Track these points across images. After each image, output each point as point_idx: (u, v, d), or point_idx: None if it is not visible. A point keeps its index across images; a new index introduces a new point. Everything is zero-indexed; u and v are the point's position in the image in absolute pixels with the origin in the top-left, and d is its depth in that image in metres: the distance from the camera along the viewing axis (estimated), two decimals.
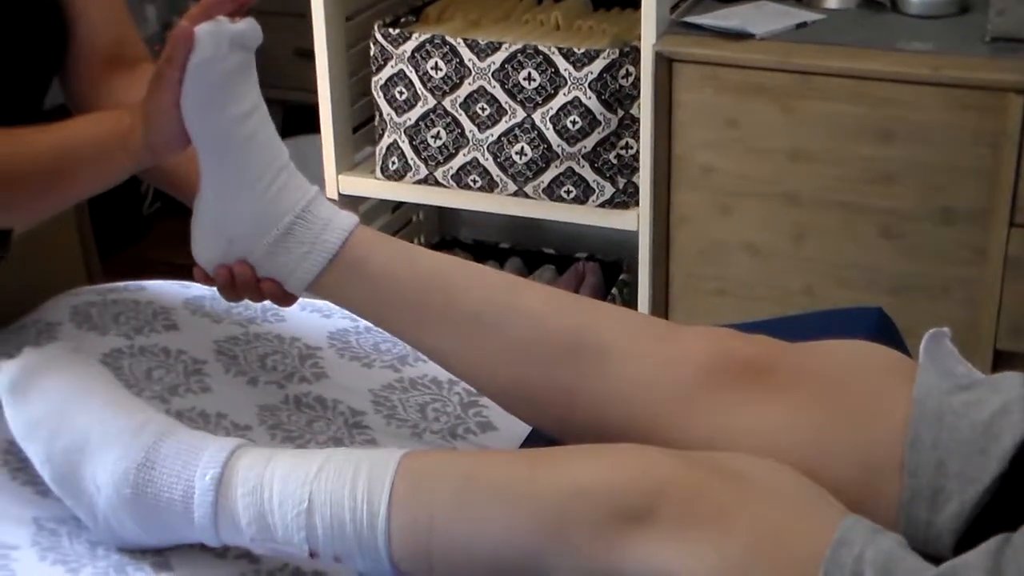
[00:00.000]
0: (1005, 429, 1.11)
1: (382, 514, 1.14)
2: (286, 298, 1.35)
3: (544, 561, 1.11)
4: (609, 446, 1.13)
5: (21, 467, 1.29)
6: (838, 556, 1.02)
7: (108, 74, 1.55)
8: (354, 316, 1.56)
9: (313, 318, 1.59)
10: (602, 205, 2.36)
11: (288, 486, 1.17)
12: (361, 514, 1.14)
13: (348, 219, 1.32)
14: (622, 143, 2.33)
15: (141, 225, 3.29)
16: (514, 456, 1.24)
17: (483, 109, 2.37)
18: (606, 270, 2.68)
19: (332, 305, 1.59)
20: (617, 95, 2.29)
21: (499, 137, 2.37)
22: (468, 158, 2.41)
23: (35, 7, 1.48)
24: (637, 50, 2.26)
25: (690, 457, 1.11)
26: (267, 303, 1.37)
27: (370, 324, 1.55)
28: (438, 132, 2.42)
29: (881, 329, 1.37)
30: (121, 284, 1.64)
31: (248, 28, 1.30)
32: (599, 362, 1.25)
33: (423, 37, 2.37)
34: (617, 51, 2.27)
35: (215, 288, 1.36)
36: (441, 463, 1.19)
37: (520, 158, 2.36)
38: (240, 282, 1.33)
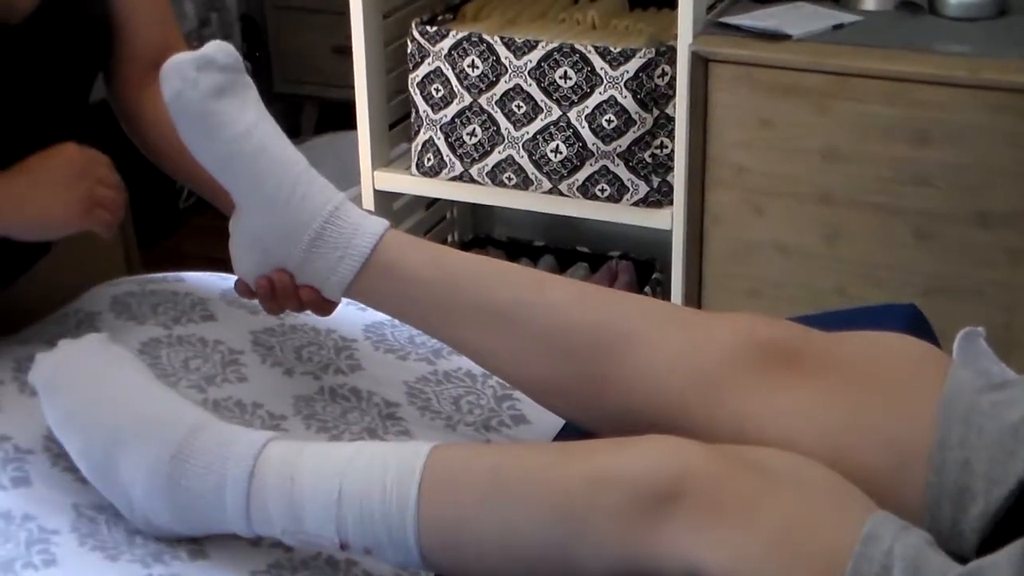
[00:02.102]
0: None
1: (411, 507, 1.15)
2: (325, 304, 1.37)
3: (570, 551, 1.12)
4: (634, 438, 1.14)
5: (61, 453, 1.31)
6: (867, 550, 1.03)
7: (153, 80, 1.56)
8: None
9: (349, 311, 1.61)
10: (636, 204, 2.37)
11: (319, 479, 1.18)
12: (391, 507, 1.16)
13: (378, 224, 1.34)
14: (657, 142, 2.34)
15: (176, 219, 3.31)
16: (540, 448, 1.25)
17: (519, 107, 2.38)
18: (639, 269, 2.69)
19: None
20: (652, 94, 2.30)
21: (534, 135, 2.38)
22: (503, 155, 2.42)
23: (82, 6, 1.50)
24: (673, 49, 2.27)
25: (716, 448, 1.12)
26: None
27: None
28: (474, 129, 2.43)
29: (915, 325, 1.37)
30: (160, 275, 1.66)
31: (211, 49, 1.31)
32: (627, 351, 1.26)
33: (460, 35, 2.39)
34: (653, 50, 2.28)
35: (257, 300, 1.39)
36: (469, 456, 1.20)
37: (555, 156, 2.37)
38: (280, 289, 1.35)
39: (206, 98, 1.30)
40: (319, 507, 1.18)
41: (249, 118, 1.32)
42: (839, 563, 1.03)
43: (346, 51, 2.55)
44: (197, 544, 1.26)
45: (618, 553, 1.10)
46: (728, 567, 1.06)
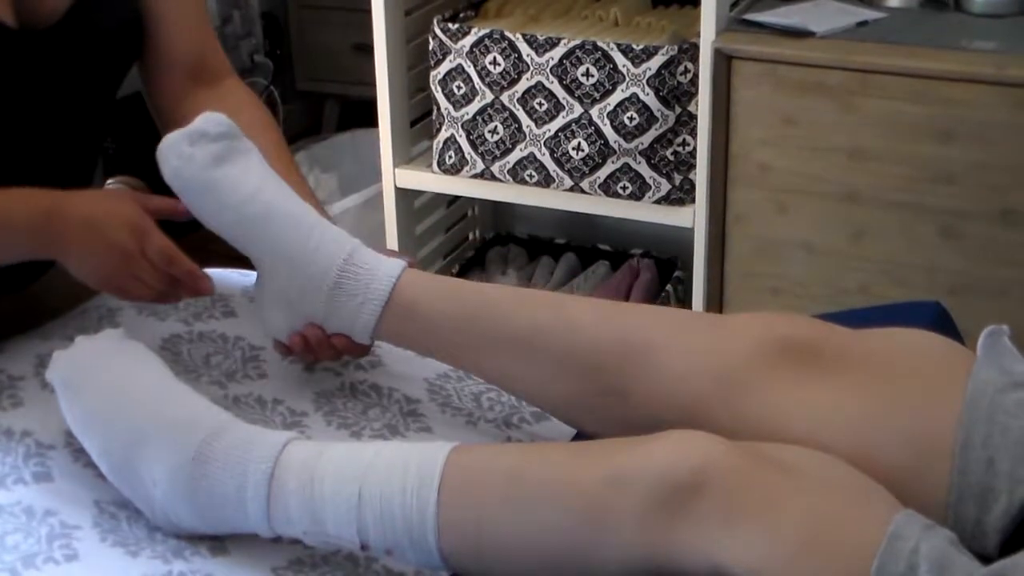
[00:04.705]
0: None
1: (431, 509, 1.15)
2: (359, 349, 1.41)
3: (592, 552, 1.11)
4: (654, 435, 1.13)
5: (83, 449, 1.31)
6: (894, 548, 1.02)
7: (192, 88, 1.57)
8: None
9: None
10: (658, 202, 2.36)
11: (339, 481, 1.18)
12: (411, 509, 1.16)
13: (394, 265, 1.36)
14: (679, 140, 2.33)
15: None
16: (560, 448, 1.25)
17: (540, 104, 2.37)
18: (661, 267, 2.68)
19: None
20: (675, 91, 2.29)
21: (556, 132, 2.37)
22: (525, 153, 2.42)
23: (110, 11, 1.50)
24: (696, 47, 2.26)
25: (737, 444, 1.11)
26: None
27: None
28: (495, 127, 2.43)
29: (939, 323, 1.36)
30: None
31: (201, 122, 1.34)
32: (648, 361, 1.26)
33: (482, 32, 2.38)
34: (676, 48, 2.27)
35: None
36: (488, 457, 1.20)
37: (577, 153, 2.37)
38: (314, 342, 1.38)
39: (205, 169, 1.33)
40: (339, 509, 1.18)
41: (252, 181, 1.35)
42: (865, 561, 1.02)
43: (368, 49, 2.55)
44: (218, 540, 1.26)
45: (640, 552, 1.09)
46: (751, 566, 1.05)
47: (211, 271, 1.63)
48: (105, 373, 1.29)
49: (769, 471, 1.09)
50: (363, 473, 1.18)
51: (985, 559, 1.05)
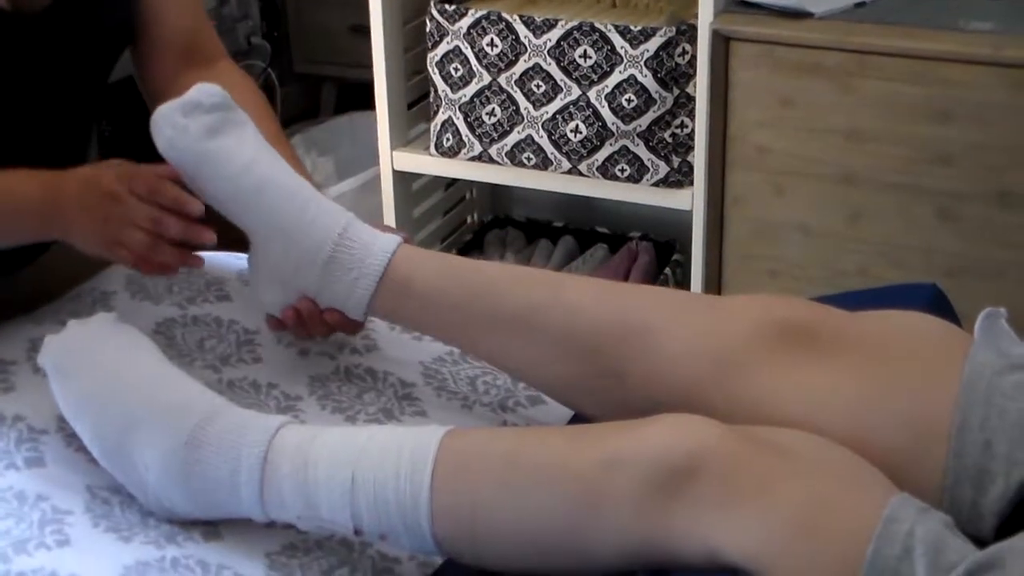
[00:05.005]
0: None
1: (425, 493, 1.15)
2: (352, 325, 1.39)
3: (587, 536, 1.11)
4: (649, 418, 1.13)
5: (75, 434, 1.30)
6: (889, 531, 1.02)
7: (184, 70, 1.57)
8: None
9: None
10: (656, 184, 2.35)
11: (332, 466, 1.18)
12: (404, 494, 1.15)
13: (389, 241, 1.35)
14: (677, 122, 2.32)
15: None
16: (554, 432, 1.25)
17: (538, 86, 2.36)
18: (659, 250, 2.67)
19: None
20: (673, 73, 2.28)
21: (554, 115, 2.36)
22: (522, 135, 2.41)
23: None
24: (694, 28, 2.25)
25: (732, 427, 1.11)
26: None
27: None
28: (493, 109, 2.42)
29: (936, 305, 1.35)
30: None
31: (195, 93, 1.33)
32: (646, 343, 1.25)
33: (479, 14, 2.37)
34: (674, 29, 2.26)
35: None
36: (482, 441, 1.20)
37: (575, 136, 2.36)
38: (307, 316, 1.37)
39: (200, 140, 1.32)
40: (333, 494, 1.17)
41: (247, 153, 1.34)
42: (860, 545, 1.02)
43: (365, 30, 2.54)
44: (211, 526, 1.26)
45: (635, 536, 1.09)
46: (747, 550, 1.05)
47: (205, 254, 1.63)
48: (97, 357, 1.28)
49: (765, 454, 1.09)
50: (357, 457, 1.18)
51: (981, 542, 1.05)
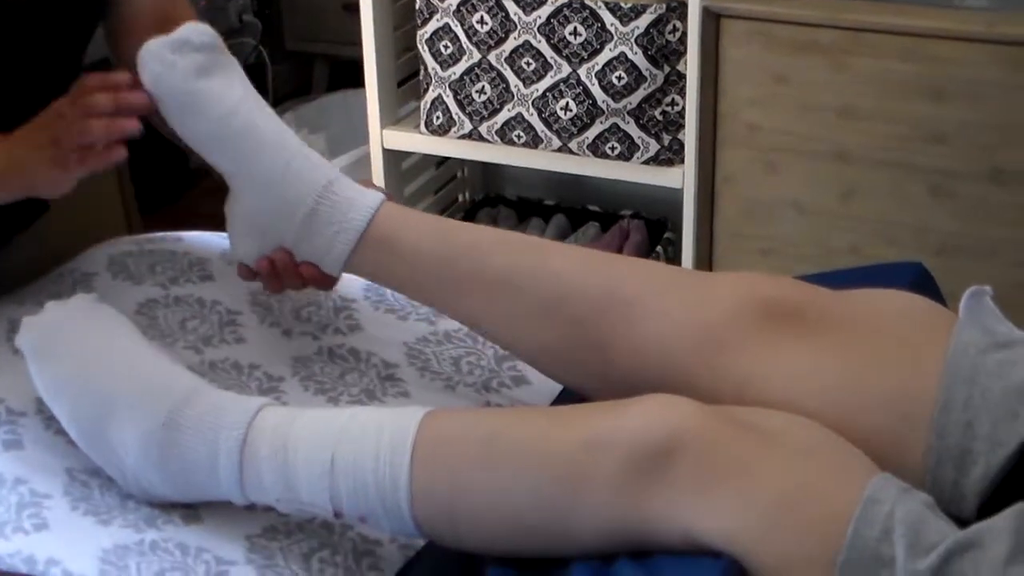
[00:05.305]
0: None
1: (404, 476, 1.14)
2: (326, 280, 1.36)
3: (566, 518, 1.10)
4: (630, 399, 1.12)
5: (54, 417, 1.30)
6: (869, 512, 1.01)
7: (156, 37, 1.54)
8: None
9: None
10: (647, 162, 2.34)
11: (312, 448, 1.17)
12: (384, 476, 1.14)
13: (374, 197, 1.32)
14: (668, 99, 2.31)
15: (187, 179, 3.29)
16: (535, 413, 1.24)
17: (528, 64, 2.34)
18: (651, 228, 2.66)
19: None
20: (663, 51, 2.27)
21: (544, 92, 2.35)
22: (513, 113, 2.39)
23: None
24: (684, 5, 2.23)
25: (713, 408, 1.10)
26: None
27: None
28: (483, 87, 2.40)
29: (920, 284, 1.35)
30: (159, 235, 1.64)
31: (185, 30, 1.30)
32: (629, 315, 1.24)
33: None
34: (664, 6, 2.24)
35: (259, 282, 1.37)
36: (462, 423, 1.19)
37: (565, 114, 2.34)
38: (281, 268, 1.34)
39: (187, 79, 1.29)
40: (312, 476, 1.16)
41: (235, 96, 1.31)
42: (840, 526, 1.02)
43: (356, 8, 2.52)
44: (191, 508, 1.25)
45: (615, 518, 1.09)
46: (726, 532, 1.05)
47: (186, 234, 1.63)
48: (75, 339, 1.27)
49: (745, 436, 1.08)
50: (336, 439, 1.17)
51: (964, 522, 1.04)
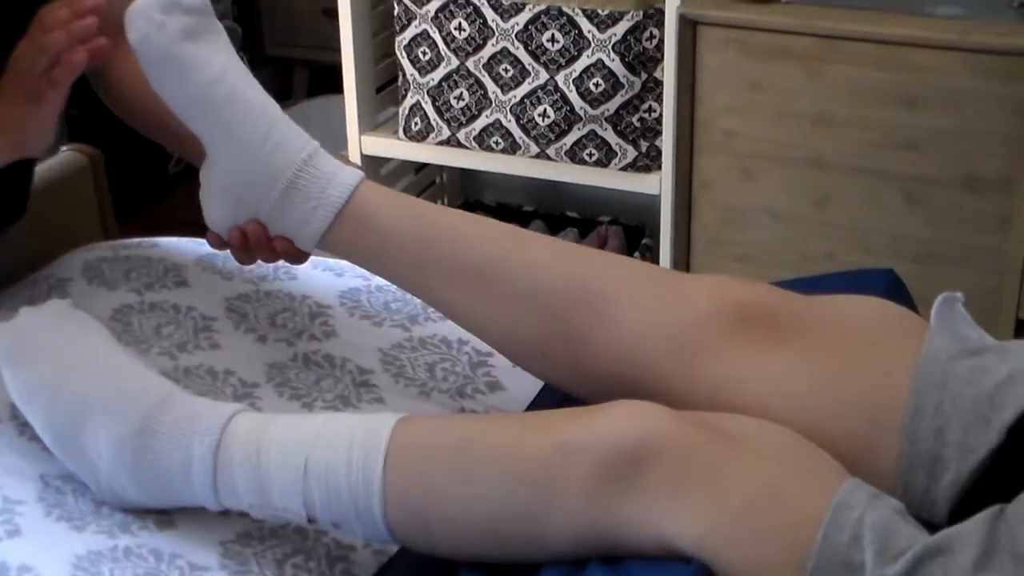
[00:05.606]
0: (1009, 400, 1.09)
1: (377, 481, 1.14)
2: (299, 255, 1.34)
3: (539, 524, 1.10)
4: (601, 405, 1.12)
5: (28, 422, 1.29)
6: (838, 519, 1.02)
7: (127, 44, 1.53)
8: (365, 275, 1.56)
9: (325, 276, 1.59)
10: (624, 168, 2.35)
11: (285, 453, 1.17)
12: (357, 481, 1.14)
13: (353, 174, 1.30)
14: (645, 106, 2.31)
15: (166, 184, 3.29)
16: (508, 419, 1.24)
17: (506, 70, 2.35)
18: (628, 234, 2.67)
19: (344, 264, 1.59)
20: (641, 57, 2.28)
21: (522, 99, 2.35)
22: (491, 119, 2.40)
23: None
24: (661, 12, 2.24)
25: (684, 414, 1.11)
26: (280, 263, 1.36)
27: (381, 283, 1.56)
28: (461, 93, 2.41)
29: (892, 291, 1.35)
30: (134, 240, 1.64)
31: None
32: (603, 312, 1.24)
33: None
34: (641, 13, 2.25)
35: (229, 251, 1.35)
36: (435, 428, 1.18)
37: (543, 120, 2.35)
38: (253, 241, 1.31)
39: (175, 41, 1.26)
40: (285, 482, 1.16)
41: (220, 62, 1.28)
42: (810, 531, 1.02)
43: (336, 13, 2.53)
44: (165, 515, 1.25)
45: (586, 525, 1.09)
46: (696, 537, 1.05)
47: (162, 240, 1.63)
48: (49, 345, 1.27)
49: (716, 442, 1.09)
50: (309, 445, 1.17)
51: (935, 527, 1.05)
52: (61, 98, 1.33)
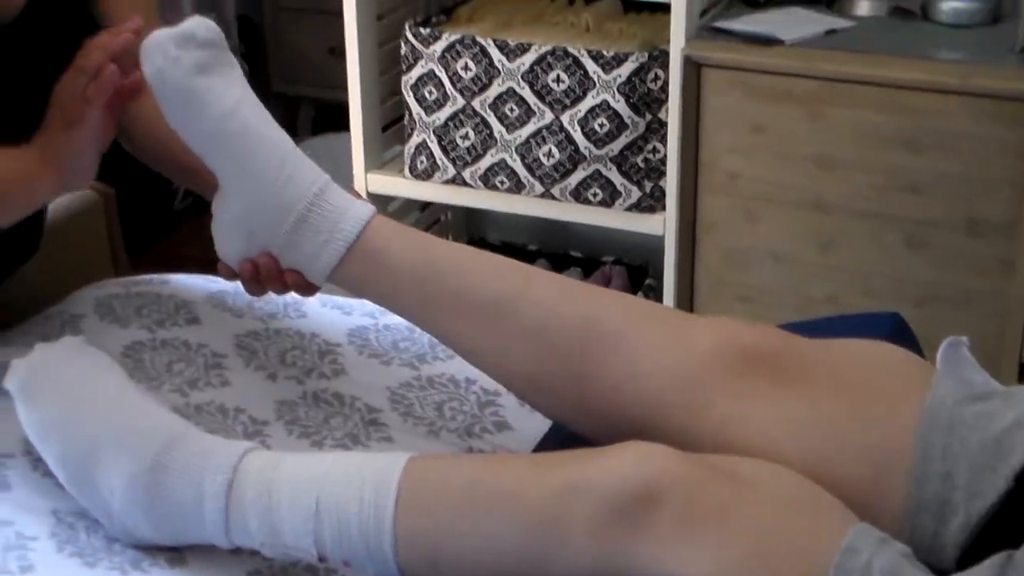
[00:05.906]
0: (1017, 445, 1.10)
1: (388, 520, 1.14)
2: (309, 288, 1.35)
3: (546, 564, 1.11)
4: (609, 447, 1.13)
5: (41, 458, 1.30)
6: (847, 562, 1.02)
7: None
8: (373, 313, 1.57)
9: (333, 315, 1.60)
10: (629, 209, 2.36)
11: (296, 492, 1.18)
12: (368, 520, 1.15)
13: (365, 209, 1.32)
14: (649, 147, 2.33)
15: (172, 221, 3.31)
16: (517, 460, 1.24)
17: (512, 110, 2.37)
18: (632, 274, 2.68)
19: (352, 302, 1.60)
20: (645, 98, 2.30)
21: (527, 139, 2.37)
22: (496, 159, 2.42)
23: (70, 3, 1.49)
24: (666, 54, 2.27)
25: (692, 456, 1.11)
26: (288, 298, 1.37)
27: (389, 322, 1.57)
28: (467, 132, 2.43)
29: (897, 334, 1.36)
30: (146, 277, 1.66)
31: (192, 25, 1.29)
32: (610, 350, 1.25)
33: (453, 37, 2.38)
34: (646, 54, 2.27)
35: (240, 283, 1.36)
36: (446, 468, 1.19)
37: (548, 160, 2.37)
38: (264, 273, 1.33)
39: (189, 75, 1.27)
40: (297, 520, 1.17)
41: (234, 95, 1.29)
42: (818, 575, 1.03)
43: (342, 52, 2.55)
44: (176, 552, 1.25)
45: (594, 566, 1.09)
46: None
47: (173, 277, 1.64)
48: (63, 381, 1.28)
49: (723, 484, 1.09)
50: (320, 484, 1.18)
51: (943, 573, 1.06)
52: (97, 120, 1.35)
